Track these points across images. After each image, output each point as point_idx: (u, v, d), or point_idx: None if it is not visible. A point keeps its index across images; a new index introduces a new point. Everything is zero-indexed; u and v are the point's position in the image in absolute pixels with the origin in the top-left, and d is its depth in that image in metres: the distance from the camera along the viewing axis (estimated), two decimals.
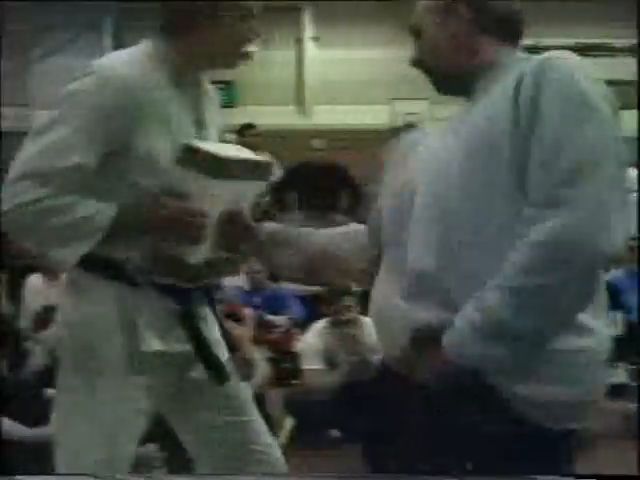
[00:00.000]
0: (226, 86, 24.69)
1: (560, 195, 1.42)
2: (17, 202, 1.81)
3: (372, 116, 20.35)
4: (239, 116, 18.07)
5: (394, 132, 2.31)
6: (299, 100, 23.62)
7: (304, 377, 4.66)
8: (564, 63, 1.52)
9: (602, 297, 1.55)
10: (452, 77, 1.70)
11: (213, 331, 2.15)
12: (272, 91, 22.51)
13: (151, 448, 3.90)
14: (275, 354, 5.44)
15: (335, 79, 21.95)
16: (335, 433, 4.45)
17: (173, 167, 1.93)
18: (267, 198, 2.09)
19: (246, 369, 4.34)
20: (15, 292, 5.81)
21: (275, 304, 6.06)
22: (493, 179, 1.51)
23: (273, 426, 4.47)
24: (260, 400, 4.32)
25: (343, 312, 4.53)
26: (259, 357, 4.56)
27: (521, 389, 1.47)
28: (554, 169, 1.44)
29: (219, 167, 1.93)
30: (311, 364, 4.59)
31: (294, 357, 5.42)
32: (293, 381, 5.09)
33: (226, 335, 2.18)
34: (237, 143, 7.74)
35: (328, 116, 20.79)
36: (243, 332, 4.75)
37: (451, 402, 1.53)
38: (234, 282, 6.14)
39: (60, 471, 2.01)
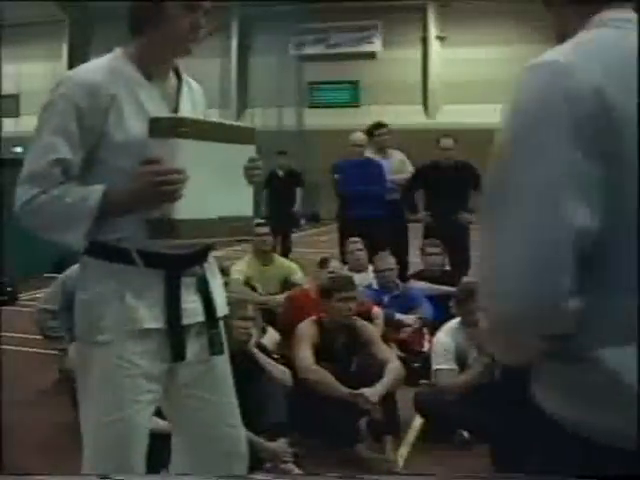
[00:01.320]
0: (351, 86, 24.94)
1: None
2: (19, 203, 2.14)
3: (499, 115, 20.09)
4: (364, 115, 18.10)
5: None
6: (425, 99, 23.53)
7: (435, 377, 4.62)
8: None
9: None
10: None
11: (219, 296, 2.41)
12: (397, 91, 22.59)
13: (281, 443, 3.96)
14: (404, 353, 5.46)
15: (461, 78, 21.85)
16: (465, 434, 4.39)
17: (146, 143, 2.15)
18: (260, 162, 2.27)
19: (377, 368, 4.36)
20: None
21: (405, 303, 6.08)
22: None
23: (400, 424, 4.50)
24: (391, 399, 4.35)
25: (476, 312, 4.48)
26: (391, 356, 4.54)
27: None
28: None
29: (177, 128, 2.13)
30: (442, 364, 4.55)
31: (424, 357, 5.42)
32: (422, 381, 5.08)
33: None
34: (367, 143, 7.79)
35: (454, 115, 20.66)
36: (373, 331, 4.74)
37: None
38: (364, 281, 6.19)
39: (85, 439, 2.26)
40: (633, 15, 1.40)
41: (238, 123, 2.43)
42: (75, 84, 2.18)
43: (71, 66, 26.24)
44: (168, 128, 2.13)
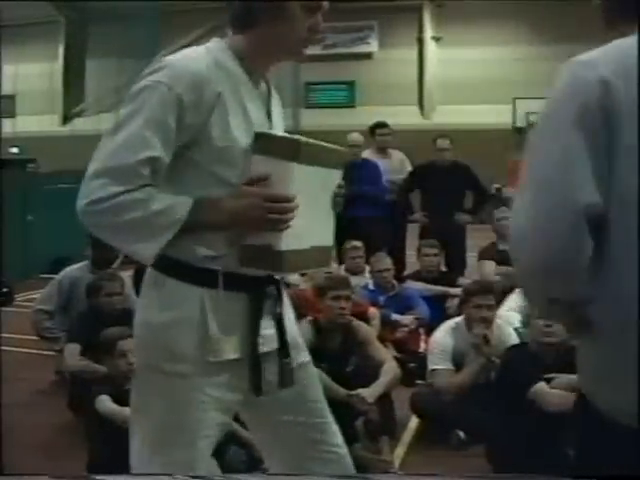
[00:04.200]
0: (347, 86, 24.89)
1: None
2: (92, 199, 1.85)
3: (495, 116, 20.10)
4: (360, 116, 18.10)
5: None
6: (421, 100, 23.53)
7: (431, 377, 4.62)
8: None
9: None
10: None
11: (292, 331, 2.21)
12: (393, 91, 22.58)
13: None
14: (401, 354, 5.46)
15: (457, 79, 21.85)
16: (461, 434, 4.40)
17: (249, 156, 1.95)
18: (343, 189, 2.19)
19: (373, 368, 4.36)
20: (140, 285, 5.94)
21: (401, 304, 6.08)
22: None
23: (396, 425, 4.50)
24: (387, 399, 4.36)
25: (482, 310, 4.50)
26: (388, 357, 4.55)
27: None
28: None
29: (297, 151, 1.94)
30: (439, 364, 4.55)
31: (420, 357, 5.42)
32: (418, 381, 5.09)
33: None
34: (364, 143, 7.80)
35: (450, 116, 20.65)
36: (370, 331, 4.74)
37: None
38: (360, 282, 6.19)
39: (136, 470, 2.05)
40: None
41: (334, 146, 2.18)
42: (178, 73, 1.90)
43: (67, 67, 26.24)
44: (285, 149, 1.94)
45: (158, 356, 2.01)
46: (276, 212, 1.92)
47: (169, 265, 1.97)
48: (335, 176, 2.18)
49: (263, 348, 2.07)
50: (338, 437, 2.29)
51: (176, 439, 2.01)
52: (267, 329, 2.09)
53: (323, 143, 2.08)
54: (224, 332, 2.00)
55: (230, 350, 2.02)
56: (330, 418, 2.28)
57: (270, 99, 2.17)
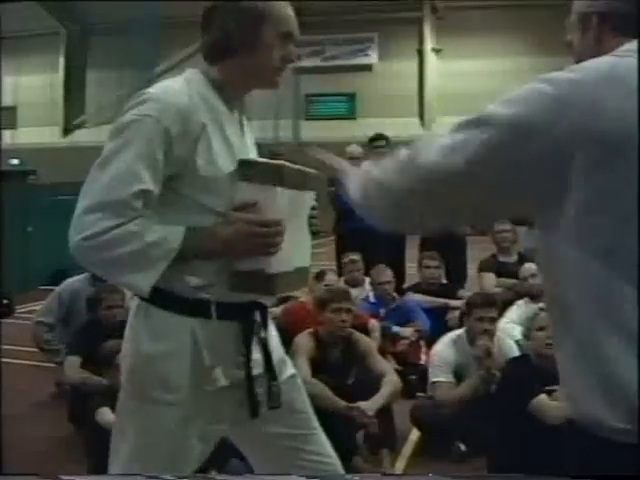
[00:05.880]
0: (348, 98, 24.94)
1: None
2: (86, 234, 1.86)
3: None
4: (360, 128, 18.13)
5: None
6: (421, 112, 23.57)
7: (432, 389, 4.61)
8: None
9: None
10: None
11: (277, 349, 2.26)
12: (393, 103, 22.64)
13: None
14: (401, 366, 5.46)
15: (457, 90, 21.90)
16: (461, 446, 4.38)
17: (235, 183, 1.99)
18: (316, 211, 2.28)
19: (374, 380, 4.36)
20: None
21: (401, 316, 6.06)
22: None
23: (396, 437, 4.49)
24: (387, 412, 4.35)
25: (484, 323, 4.49)
26: (388, 369, 4.54)
27: None
28: None
29: (282, 176, 2.00)
30: (440, 376, 4.54)
31: (421, 369, 5.42)
32: (419, 393, 5.08)
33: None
34: (365, 154, 7.79)
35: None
36: (370, 343, 4.73)
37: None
38: (360, 293, 6.18)
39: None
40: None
41: (309, 169, 2.19)
42: (164, 106, 1.92)
43: (68, 78, 26.33)
44: (270, 175, 1.99)
45: (148, 386, 2.02)
46: (267, 237, 1.97)
47: (158, 296, 1.97)
48: (309, 198, 2.22)
49: (253, 372, 2.10)
50: (327, 447, 2.32)
51: (157, 466, 2.02)
52: (255, 353, 2.11)
53: (300, 167, 2.12)
54: (216, 360, 2.03)
55: (222, 378, 2.04)
56: (318, 429, 2.32)
57: (244, 125, 2.20)
